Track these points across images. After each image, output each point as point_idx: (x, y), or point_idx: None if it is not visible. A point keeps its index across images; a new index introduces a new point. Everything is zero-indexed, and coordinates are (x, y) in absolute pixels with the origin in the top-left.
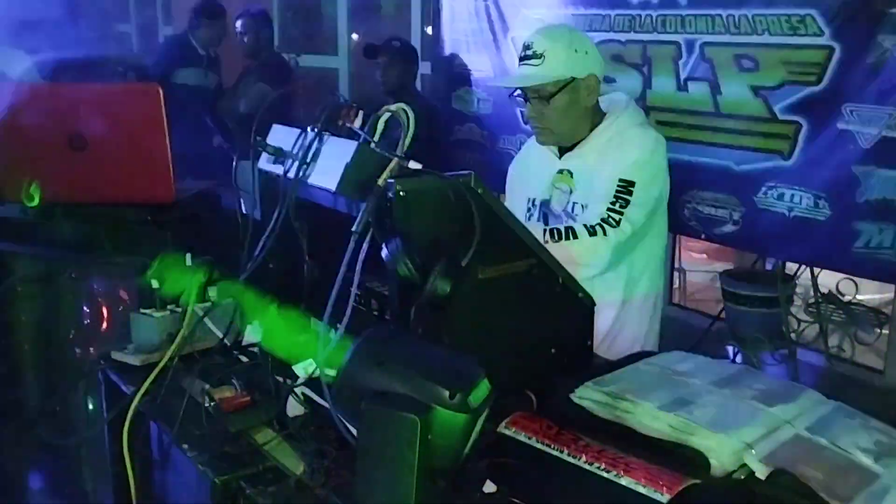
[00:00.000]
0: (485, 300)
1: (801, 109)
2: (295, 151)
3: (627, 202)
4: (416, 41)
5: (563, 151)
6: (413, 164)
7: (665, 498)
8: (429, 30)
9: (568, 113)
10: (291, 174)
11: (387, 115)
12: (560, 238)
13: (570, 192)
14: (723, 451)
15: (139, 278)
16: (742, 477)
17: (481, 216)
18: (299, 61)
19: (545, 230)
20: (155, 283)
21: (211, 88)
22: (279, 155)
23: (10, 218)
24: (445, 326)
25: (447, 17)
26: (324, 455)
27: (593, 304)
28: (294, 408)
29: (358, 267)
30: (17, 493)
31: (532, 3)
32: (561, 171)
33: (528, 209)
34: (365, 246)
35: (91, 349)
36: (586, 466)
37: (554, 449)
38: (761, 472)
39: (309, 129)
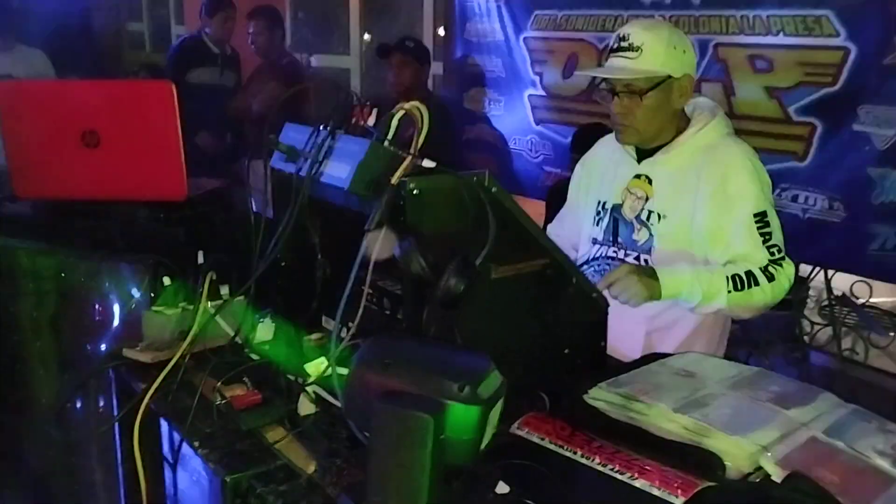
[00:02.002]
0: (498, 300)
1: (816, 111)
2: (307, 149)
3: (770, 234)
4: (427, 42)
5: (641, 155)
6: (427, 163)
7: (680, 501)
8: (440, 30)
9: (657, 113)
10: (304, 172)
11: (400, 112)
12: (743, 286)
13: (647, 199)
14: (738, 454)
15: (151, 276)
16: (758, 480)
17: (495, 215)
18: (311, 61)
19: (728, 278)
20: (167, 281)
21: (228, 87)
22: (292, 153)
23: (22, 215)
24: (458, 326)
25: (459, 17)
26: (335, 454)
27: (607, 304)
28: (305, 406)
29: (370, 266)
30: (26, 490)
31: (545, 4)
32: (638, 176)
33: (598, 212)
34: (377, 244)
35: (102, 346)
36: (600, 468)
37: (567, 450)
38: (777, 476)
39: (322, 126)
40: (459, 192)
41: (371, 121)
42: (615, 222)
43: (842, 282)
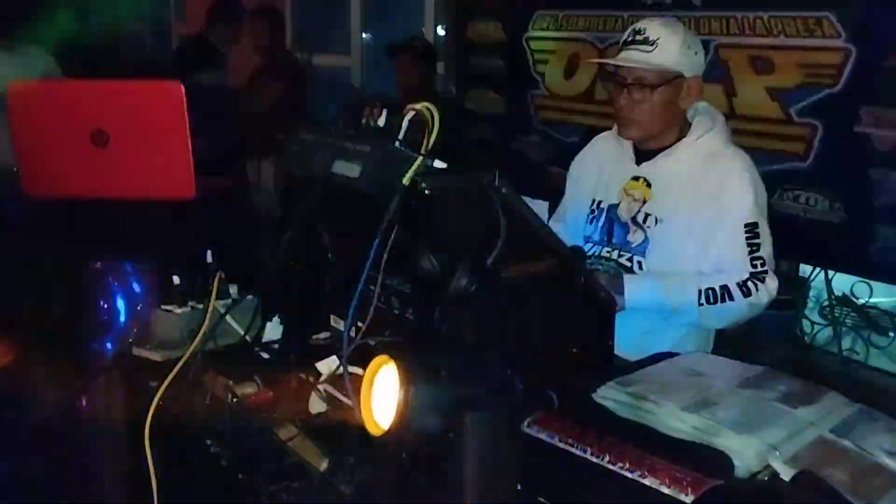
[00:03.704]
0: (507, 299)
1: (818, 112)
2: (319, 150)
3: (758, 245)
4: (429, 39)
5: (639, 156)
6: (438, 163)
7: (689, 499)
8: (440, 30)
9: (664, 110)
10: (315, 172)
11: (411, 113)
12: (716, 300)
13: (644, 201)
14: (747, 453)
15: (160, 275)
16: (766, 478)
17: (505, 215)
18: (312, 60)
19: (700, 291)
20: (176, 280)
21: (228, 87)
22: (303, 153)
23: (30, 214)
24: (469, 326)
25: (460, 17)
26: (347, 451)
27: (615, 304)
28: (316, 404)
29: (382, 265)
30: (35, 489)
31: (547, 4)
32: (636, 178)
33: (592, 211)
34: (389, 245)
35: (112, 345)
36: (610, 466)
37: (577, 449)
38: (786, 474)
39: (333, 127)
40: (470, 193)
41: (382, 121)
42: (610, 223)
43: (842, 282)
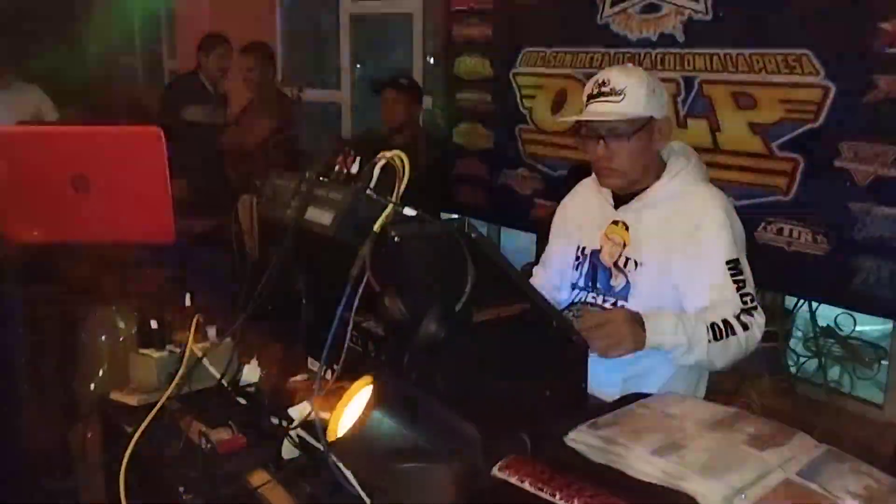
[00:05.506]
0: (479, 343)
1: (799, 146)
2: (293, 196)
3: (743, 281)
4: (417, 76)
5: (618, 201)
6: (408, 211)
7: None
8: (430, 59)
9: (642, 155)
10: (290, 219)
11: (382, 161)
12: (721, 336)
13: (624, 245)
14: (714, 497)
15: (138, 318)
16: None
17: (475, 261)
18: (302, 95)
19: (707, 327)
20: (154, 324)
21: (220, 124)
22: (278, 199)
23: (10, 258)
24: (439, 370)
25: (448, 52)
26: (317, 499)
27: (587, 346)
28: (289, 450)
29: (353, 311)
30: None
31: (534, 41)
32: (616, 223)
33: (577, 258)
34: (360, 290)
35: (89, 389)
36: None
37: (547, 493)
38: None
39: (307, 174)
40: (440, 239)
41: (355, 168)
42: (594, 268)
43: (826, 313)
